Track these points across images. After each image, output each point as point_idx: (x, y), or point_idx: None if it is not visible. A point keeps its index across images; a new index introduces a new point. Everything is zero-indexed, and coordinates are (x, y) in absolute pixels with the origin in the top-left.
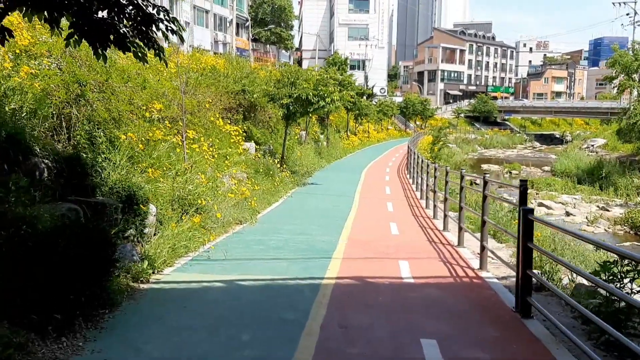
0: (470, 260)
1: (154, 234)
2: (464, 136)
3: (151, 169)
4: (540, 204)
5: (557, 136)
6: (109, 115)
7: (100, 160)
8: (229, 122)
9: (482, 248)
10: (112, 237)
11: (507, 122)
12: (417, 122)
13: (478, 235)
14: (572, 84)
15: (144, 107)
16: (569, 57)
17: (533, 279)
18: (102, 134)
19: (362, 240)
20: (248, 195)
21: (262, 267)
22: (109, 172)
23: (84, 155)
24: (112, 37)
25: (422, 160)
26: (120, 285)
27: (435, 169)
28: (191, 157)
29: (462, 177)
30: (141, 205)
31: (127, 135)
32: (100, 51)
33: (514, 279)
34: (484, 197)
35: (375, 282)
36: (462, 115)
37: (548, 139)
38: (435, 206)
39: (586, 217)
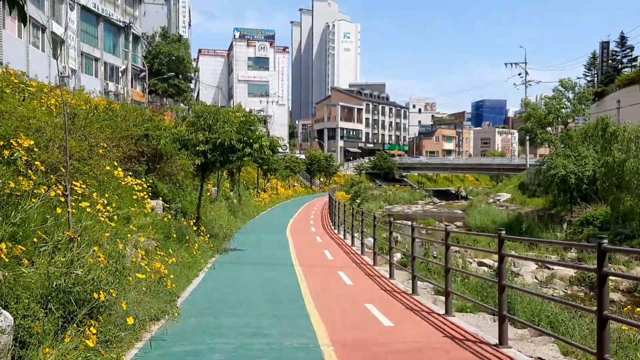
0: None
1: None
2: (369, 192)
3: (9, 242)
4: (481, 264)
5: (453, 192)
6: None
7: None
8: (130, 174)
9: None
10: None
11: (405, 179)
12: (322, 179)
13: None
14: (461, 142)
15: (1, 143)
16: (453, 117)
17: None
18: None
19: (354, 343)
20: (165, 273)
21: None
22: None
23: None
24: None
25: (374, 218)
26: None
27: (413, 229)
28: (79, 220)
29: (501, 242)
30: None
31: None
32: None
33: None
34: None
35: None
36: (364, 172)
37: (445, 194)
38: (414, 277)
39: (536, 277)
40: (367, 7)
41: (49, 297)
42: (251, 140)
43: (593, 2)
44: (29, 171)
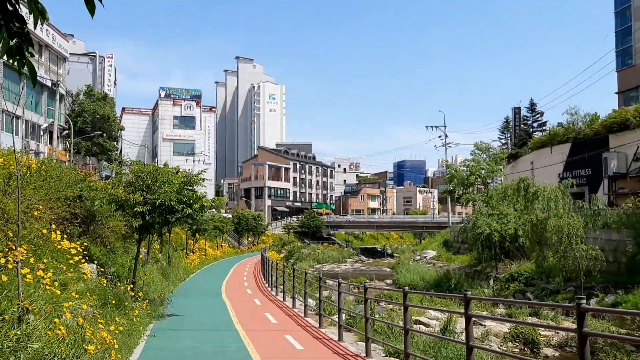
0: None
1: None
2: (301, 252)
3: None
4: (417, 321)
5: (379, 249)
6: None
7: None
8: (65, 236)
9: None
10: None
11: (333, 237)
12: (250, 239)
13: None
14: (385, 201)
15: None
16: (377, 177)
17: None
18: None
19: None
20: (112, 343)
21: None
22: None
23: None
24: None
25: (319, 279)
26: None
27: (366, 289)
28: (27, 290)
29: (467, 303)
30: None
31: None
32: None
33: None
34: None
35: None
36: (292, 231)
37: (372, 252)
38: (368, 339)
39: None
40: (291, 68)
41: None
42: (191, 201)
43: (505, 72)
44: None
